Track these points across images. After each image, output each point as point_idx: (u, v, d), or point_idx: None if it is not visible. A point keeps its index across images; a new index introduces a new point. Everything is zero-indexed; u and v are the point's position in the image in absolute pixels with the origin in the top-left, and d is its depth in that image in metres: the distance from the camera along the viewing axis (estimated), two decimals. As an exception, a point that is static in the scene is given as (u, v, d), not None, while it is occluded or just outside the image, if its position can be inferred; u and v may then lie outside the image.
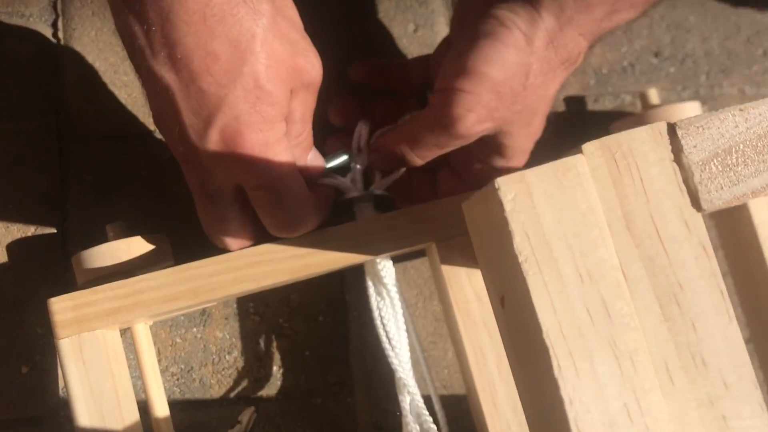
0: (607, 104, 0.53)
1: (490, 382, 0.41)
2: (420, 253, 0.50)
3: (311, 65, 0.38)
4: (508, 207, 0.19)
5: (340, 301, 0.50)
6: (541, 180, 0.23)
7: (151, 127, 0.51)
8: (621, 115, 0.53)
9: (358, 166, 0.46)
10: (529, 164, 0.45)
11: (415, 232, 0.42)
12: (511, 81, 0.38)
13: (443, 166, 0.47)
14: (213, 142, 0.36)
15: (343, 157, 0.45)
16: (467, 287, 0.41)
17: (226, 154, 0.36)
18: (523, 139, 0.43)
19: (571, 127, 0.52)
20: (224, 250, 0.42)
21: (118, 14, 0.36)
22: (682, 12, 0.53)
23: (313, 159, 0.42)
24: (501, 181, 0.21)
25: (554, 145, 0.51)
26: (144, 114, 0.51)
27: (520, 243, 0.19)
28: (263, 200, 0.39)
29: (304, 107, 0.40)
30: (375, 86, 0.49)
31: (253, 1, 0.35)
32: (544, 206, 0.20)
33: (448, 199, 0.42)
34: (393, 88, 0.49)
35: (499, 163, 0.44)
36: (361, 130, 0.46)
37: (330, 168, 0.45)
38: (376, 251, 0.42)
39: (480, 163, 0.45)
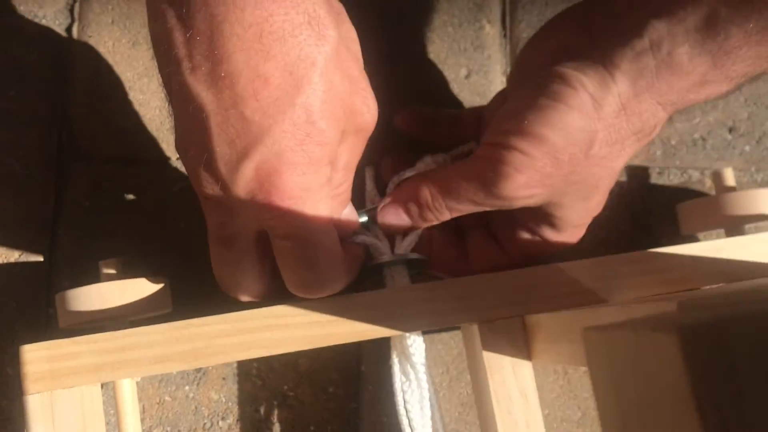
0: (672, 178, 0.48)
1: (527, 494, 0.35)
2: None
3: (367, 108, 0.33)
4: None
5: (354, 373, 0.44)
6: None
7: (164, 154, 0.45)
8: (687, 193, 0.47)
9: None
10: (582, 241, 0.39)
11: (456, 308, 0.36)
12: (572, 148, 0.33)
13: (476, 227, 0.41)
14: (245, 178, 0.30)
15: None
16: (511, 382, 0.35)
17: (257, 195, 0.31)
18: (577, 213, 0.37)
19: (631, 199, 0.47)
20: (233, 303, 0.36)
21: (155, 14, 0.31)
22: (764, 86, 0.48)
23: (348, 214, 0.37)
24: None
25: (610, 218, 0.46)
26: (157, 139, 0.45)
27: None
28: (290, 253, 0.33)
29: (351, 155, 0.34)
30: (420, 138, 0.43)
31: (318, 24, 0.30)
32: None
33: (499, 275, 0.37)
34: (439, 143, 0.43)
35: (549, 235, 0.38)
36: (366, 177, 0.42)
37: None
38: (409, 326, 0.36)
39: (526, 232, 0.39)
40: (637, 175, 0.47)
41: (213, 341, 0.35)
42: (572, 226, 0.38)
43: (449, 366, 0.44)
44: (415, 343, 0.37)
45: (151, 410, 0.43)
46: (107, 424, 0.42)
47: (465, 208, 0.36)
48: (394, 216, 0.38)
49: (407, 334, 0.37)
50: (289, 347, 0.35)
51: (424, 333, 0.40)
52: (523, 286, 0.37)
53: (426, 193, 0.37)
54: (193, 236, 0.44)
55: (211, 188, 0.32)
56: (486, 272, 0.37)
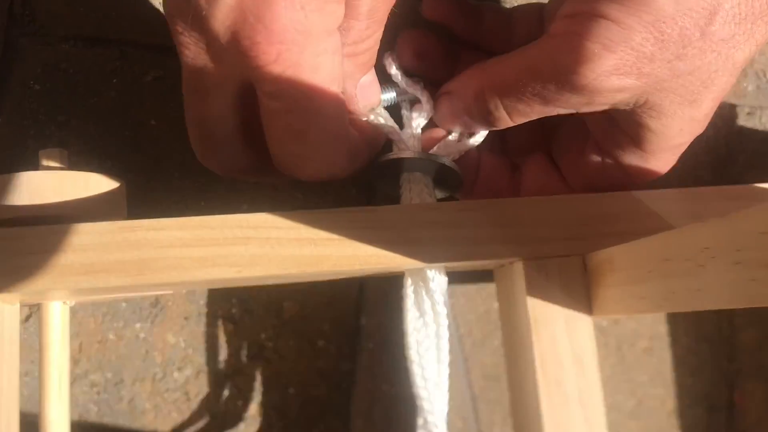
0: (764, 122, 0.38)
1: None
2: (478, 275, 0.35)
3: None
4: None
5: (352, 326, 0.35)
6: None
7: (139, 34, 0.36)
8: (784, 142, 0.38)
9: (416, 117, 0.31)
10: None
11: (494, 238, 0.27)
12: (685, 19, 0.24)
13: (535, 151, 0.32)
14: (225, 6, 0.23)
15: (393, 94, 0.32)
16: (563, 342, 0.26)
17: (240, 31, 0.23)
18: (679, 124, 0.27)
19: (713, 142, 0.38)
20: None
21: None
22: None
23: (368, 84, 0.28)
24: None
25: (685, 162, 0.36)
26: (133, 15, 0.36)
27: None
28: (278, 118, 0.25)
29: None
30: (458, 33, 0.34)
31: None
32: None
33: (556, 200, 0.28)
34: (484, 44, 0.34)
35: (631, 160, 0.29)
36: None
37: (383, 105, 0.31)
38: (428, 255, 0.27)
39: (600, 155, 0.30)
40: (721, 113, 0.38)
41: (166, 251, 0.26)
42: (667, 147, 0.28)
43: (472, 327, 0.35)
44: (436, 278, 0.28)
45: (89, 349, 0.34)
46: (31, 362, 0.33)
47: (530, 110, 0.27)
48: (448, 119, 0.30)
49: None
50: (268, 268, 0.26)
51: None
52: (588, 218, 0.27)
53: (478, 94, 0.28)
54: (164, 138, 0.35)
55: (183, 18, 0.23)
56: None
